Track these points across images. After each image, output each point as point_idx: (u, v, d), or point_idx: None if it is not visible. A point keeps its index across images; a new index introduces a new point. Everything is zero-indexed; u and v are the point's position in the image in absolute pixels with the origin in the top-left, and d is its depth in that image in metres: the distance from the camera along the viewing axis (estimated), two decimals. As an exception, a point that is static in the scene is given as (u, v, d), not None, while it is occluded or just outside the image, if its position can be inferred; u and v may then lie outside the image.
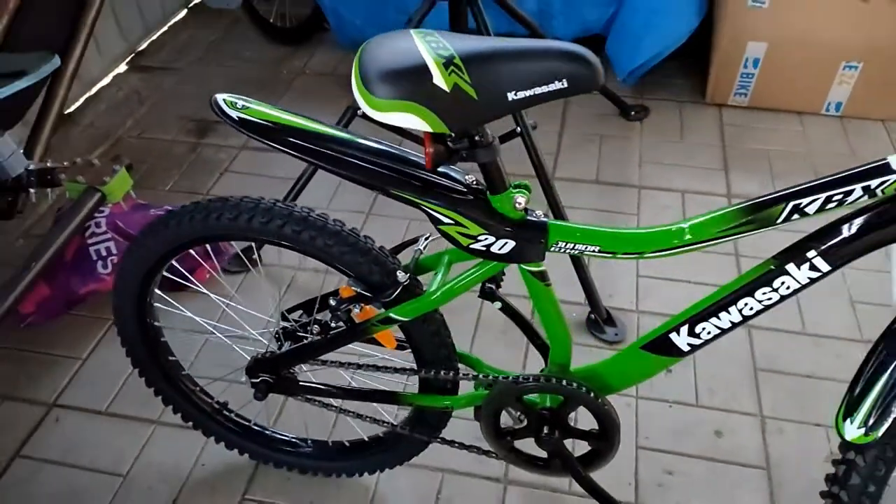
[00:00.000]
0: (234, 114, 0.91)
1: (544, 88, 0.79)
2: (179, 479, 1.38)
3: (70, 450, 1.44)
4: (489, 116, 0.82)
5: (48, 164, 1.53)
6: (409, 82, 0.78)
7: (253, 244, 1.78)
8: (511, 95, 0.79)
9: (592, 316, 1.64)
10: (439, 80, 0.78)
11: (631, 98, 2.35)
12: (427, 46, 0.79)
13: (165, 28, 2.90)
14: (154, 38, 2.85)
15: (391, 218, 1.91)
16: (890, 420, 0.84)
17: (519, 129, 1.64)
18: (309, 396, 1.19)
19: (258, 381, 1.15)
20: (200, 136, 2.32)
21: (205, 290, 1.33)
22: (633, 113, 2.28)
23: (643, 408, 1.47)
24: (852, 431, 0.86)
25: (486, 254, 0.93)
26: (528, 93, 0.79)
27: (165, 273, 1.18)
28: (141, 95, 2.54)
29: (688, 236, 0.87)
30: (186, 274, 1.25)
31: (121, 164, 1.55)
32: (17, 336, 1.64)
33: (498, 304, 1.11)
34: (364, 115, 0.85)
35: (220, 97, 0.92)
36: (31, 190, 1.50)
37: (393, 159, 0.91)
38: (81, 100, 2.50)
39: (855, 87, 2.16)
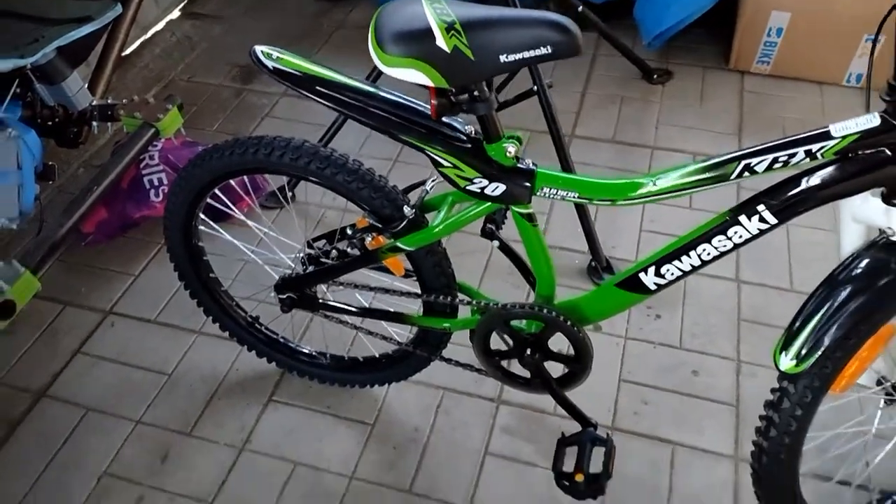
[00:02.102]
0: (269, 63, 1.07)
1: (532, 53, 0.92)
2: (216, 380, 1.59)
3: (123, 350, 1.66)
4: (485, 75, 0.96)
5: (109, 101, 1.71)
6: (416, 42, 0.92)
7: (286, 184, 1.96)
8: (503, 57, 0.93)
9: (593, 263, 1.78)
10: (441, 41, 0.92)
11: (656, 62, 2.43)
12: (433, 12, 0.93)
13: (216, -24, 3.05)
14: (205, -15, 3.00)
15: (416, 165, 2.06)
16: (818, 354, 0.97)
17: (535, 87, 1.77)
18: (327, 313, 1.37)
19: (284, 297, 1.34)
20: (245, 82, 2.48)
21: (243, 218, 1.51)
22: (655, 76, 2.36)
23: (630, 347, 1.62)
24: (786, 362, 0.99)
25: (481, 195, 1.08)
26: (518, 56, 0.93)
27: (210, 202, 1.36)
28: (192, 41, 2.71)
29: (653, 187, 1.00)
30: (229, 204, 1.43)
31: (173, 103, 1.73)
32: (79, 253, 1.86)
33: (496, 243, 1.26)
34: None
35: (258, 48, 1.08)
36: (94, 123, 1.68)
37: (404, 109, 1.06)
38: (137, 43, 2.67)
39: (878, 59, 2.19)
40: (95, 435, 1.51)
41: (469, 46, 0.92)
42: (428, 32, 0.92)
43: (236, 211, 1.50)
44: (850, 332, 0.96)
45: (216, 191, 1.33)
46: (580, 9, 2.09)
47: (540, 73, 1.77)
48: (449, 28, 0.91)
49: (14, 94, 1.45)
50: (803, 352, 0.97)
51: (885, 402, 1.18)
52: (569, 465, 1.21)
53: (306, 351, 1.53)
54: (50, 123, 1.58)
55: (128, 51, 2.63)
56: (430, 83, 0.95)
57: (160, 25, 2.78)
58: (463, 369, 1.36)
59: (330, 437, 1.49)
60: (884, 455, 1.29)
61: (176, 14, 2.85)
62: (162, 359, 1.64)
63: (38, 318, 1.73)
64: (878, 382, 1.18)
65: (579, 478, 1.17)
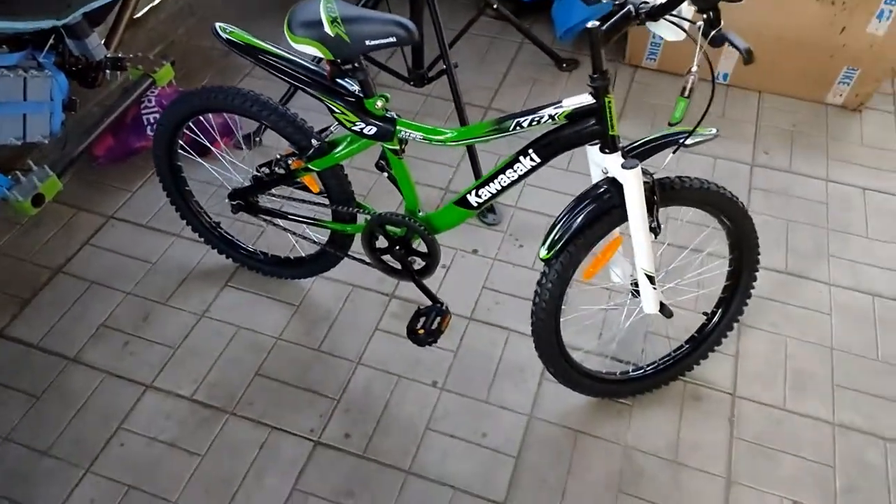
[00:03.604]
0: (223, 35, 1.60)
1: (384, 40, 1.45)
2: (188, 269, 2.15)
3: (120, 245, 2.22)
4: (358, 52, 1.49)
5: (119, 55, 2.25)
6: (312, 28, 1.45)
7: (258, 130, 2.50)
8: (368, 42, 1.46)
9: (480, 204, 2.32)
10: (327, 29, 1.45)
11: (570, 53, 2.95)
12: (325, 9, 1.46)
13: (218, -47, 3.56)
14: (208, -39, 3.51)
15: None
16: (558, 247, 1.50)
17: (444, 66, 2.30)
18: (264, 216, 1.92)
19: (234, 203, 1.89)
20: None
21: (211, 147, 2.05)
22: (564, 65, 2.88)
23: (496, 266, 2.17)
24: (542, 252, 1.53)
25: (361, 134, 1.62)
26: (377, 42, 1.45)
27: (192, 136, 1.90)
28: (192, 8, 3.23)
29: (454, 135, 1.54)
30: (208, 140, 1.98)
31: (167, 60, 2.27)
32: (92, 171, 2.41)
33: (385, 174, 1.80)
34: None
35: (218, 24, 1.62)
36: (107, 71, 2.22)
37: (312, 73, 1.59)
38: (147, 8, 3.19)
39: (738, 61, 2.72)
40: (96, 300, 2.07)
41: (346, 34, 1.45)
42: (319, 22, 1.45)
43: (210, 145, 2.05)
44: (579, 232, 1.50)
45: (193, 126, 1.88)
46: (495, 5, 2.61)
47: (449, 56, 2.30)
48: (333, 21, 1.45)
49: (50, 45, 1.98)
50: (550, 244, 1.52)
51: (631, 294, 1.72)
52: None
53: (251, 249, 2.09)
54: (75, 69, 2.11)
55: (138, 14, 3.15)
56: (322, 56, 1.49)
57: (167, -6, 3.30)
58: (367, 268, 1.90)
59: (266, 313, 2.05)
60: (626, 332, 1.85)
61: (181, -15, 3.37)
62: (149, 252, 2.20)
63: (58, 217, 2.28)
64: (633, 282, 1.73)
65: (420, 332, 1.73)
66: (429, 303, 1.82)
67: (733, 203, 1.61)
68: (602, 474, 1.72)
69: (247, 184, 1.89)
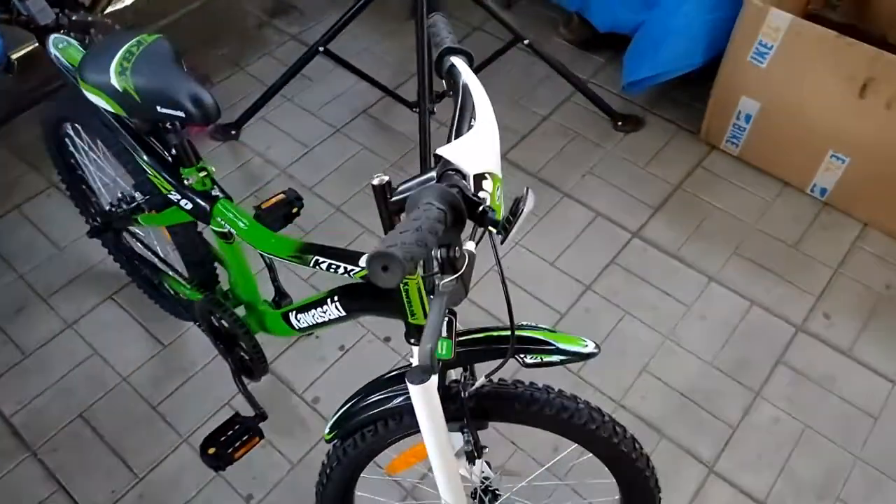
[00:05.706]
0: (53, 51, 1.33)
1: (172, 112, 1.09)
2: (85, 266, 1.98)
3: (43, 219, 2.09)
4: (150, 117, 1.15)
5: (89, 18, 2.05)
6: (99, 75, 1.13)
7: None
8: (159, 108, 1.11)
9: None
10: (115, 82, 1.12)
11: (632, 108, 2.35)
12: (119, 58, 1.12)
13: None
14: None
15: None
16: (335, 433, 1.13)
17: (416, 109, 1.87)
18: (119, 249, 1.68)
19: (96, 223, 1.65)
20: (272, 15, 2.74)
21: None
22: (619, 123, 2.30)
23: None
24: (325, 430, 1.15)
25: (177, 205, 1.29)
26: (166, 111, 1.10)
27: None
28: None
29: (254, 241, 1.16)
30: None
31: (124, 25, 2.04)
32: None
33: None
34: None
35: (52, 37, 1.34)
36: (71, 33, 2.03)
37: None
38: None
39: (842, 179, 2.00)
40: (-11, 275, 1.97)
41: (137, 92, 1.11)
42: (107, 72, 1.12)
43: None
44: (370, 424, 1.10)
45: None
46: (526, 41, 2.09)
47: (427, 96, 1.87)
48: (122, 73, 1.11)
49: (-11, 1, 1.82)
50: (333, 425, 1.14)
51: (478, 499, 1.29)
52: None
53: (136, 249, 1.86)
54: (30, 30, 1.95)
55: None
56: (112, 110, 1.16)
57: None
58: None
59: (130, 344, 1.83)
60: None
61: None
62: (63, 235, 2.05)
63: (9, 172, 2.20)
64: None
65: (211, 451, 1.41)
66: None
67: (605, 438, 1.09)
68: None
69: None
